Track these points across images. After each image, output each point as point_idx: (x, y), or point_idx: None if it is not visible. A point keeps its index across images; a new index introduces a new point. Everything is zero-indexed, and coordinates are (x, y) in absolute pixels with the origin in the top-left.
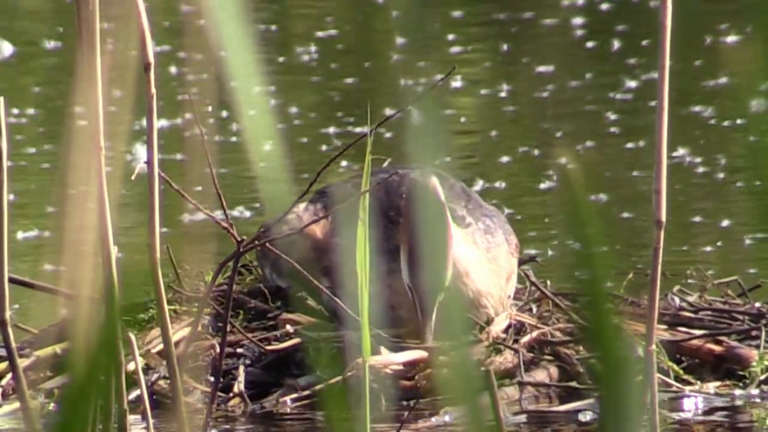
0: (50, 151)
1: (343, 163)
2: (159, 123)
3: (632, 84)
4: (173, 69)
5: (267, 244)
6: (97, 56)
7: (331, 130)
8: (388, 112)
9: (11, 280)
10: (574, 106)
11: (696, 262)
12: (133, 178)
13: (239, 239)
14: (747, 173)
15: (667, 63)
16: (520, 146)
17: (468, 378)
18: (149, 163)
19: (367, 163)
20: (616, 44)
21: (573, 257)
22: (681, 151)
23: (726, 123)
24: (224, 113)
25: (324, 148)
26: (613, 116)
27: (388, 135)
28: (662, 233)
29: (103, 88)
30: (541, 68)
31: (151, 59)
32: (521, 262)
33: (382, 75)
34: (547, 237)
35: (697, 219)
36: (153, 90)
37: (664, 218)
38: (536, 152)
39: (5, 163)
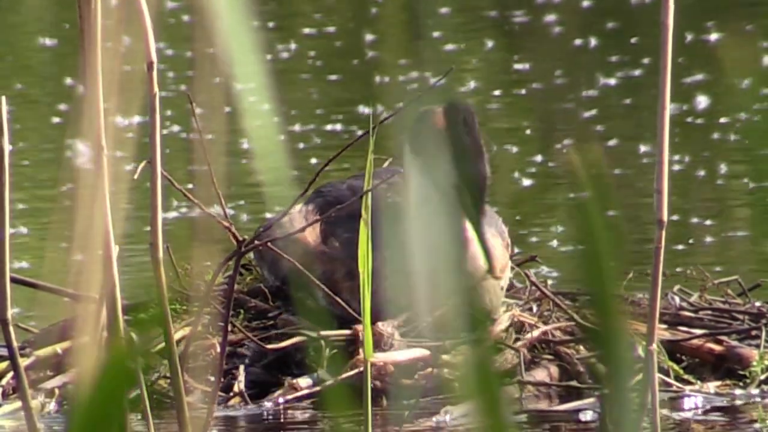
0: (25, 148)
1: (313, 160)
2: (134, 119)
3: (610, 81)
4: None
5: (268, 244)
6: (98, 55)
7: (310, 127)
8: (362, 109)
9: (12, 280)
10: (552, 104)
11: (687, 258)
12: (135, 177)
13: (240, 239)
14: (726, 171)
15: (669, 63)
16: (500, 144)
17: (483, 373)
18: (152, 162)
19: (369, 163)
20: (597, 41)
21: (579, 260)
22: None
23: (700, 120)
24: (198, 110)
25: (301, 146)
26: (589, 114)
27: (359, 132)
28: (663, 233)
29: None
30: (519, 66)
31: (154, 58)
32: (521, 262)
33: (360, 73)
34: (526, 234)
35: (679, 218)
36: (156, 89)
37: (665, 218)
38: (515, 150)
39: (6, 162)
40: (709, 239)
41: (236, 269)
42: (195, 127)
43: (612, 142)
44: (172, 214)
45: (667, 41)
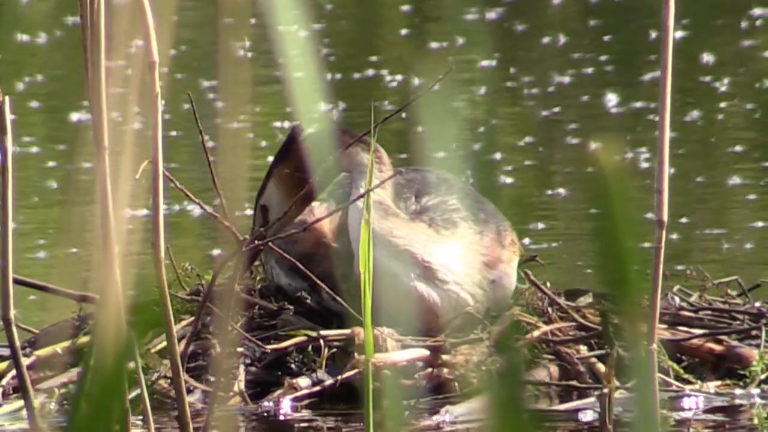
0: None
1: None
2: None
3: (565, 79)
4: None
5: (269, 243)
6: (101, 55)
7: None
8: (323, 107)
9: (15, 281)
10: (514, 101)
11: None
12: (137, 176)
13: (242, 238)
14: (703, 170)
15: (670, 63)
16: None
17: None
18: (154, 161)
19: (371, 162)
20: (566, 39)
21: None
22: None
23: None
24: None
25: (264, 143)
26: (547, 112)
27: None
28: (663, 233)
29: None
30: (485, 62)
31: (156, 57)
32: (521, 262)
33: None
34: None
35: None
36: (158, 88)
37: (666, 218)
38: (477, 146)
39: (10, 162)
40: (708, 239)
41: (237, 269)
42: (198, 127)
43: (576, 140)
44: (145, 212)
45: (668, 41)
